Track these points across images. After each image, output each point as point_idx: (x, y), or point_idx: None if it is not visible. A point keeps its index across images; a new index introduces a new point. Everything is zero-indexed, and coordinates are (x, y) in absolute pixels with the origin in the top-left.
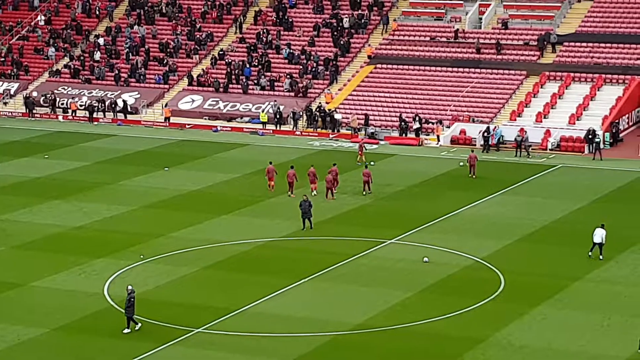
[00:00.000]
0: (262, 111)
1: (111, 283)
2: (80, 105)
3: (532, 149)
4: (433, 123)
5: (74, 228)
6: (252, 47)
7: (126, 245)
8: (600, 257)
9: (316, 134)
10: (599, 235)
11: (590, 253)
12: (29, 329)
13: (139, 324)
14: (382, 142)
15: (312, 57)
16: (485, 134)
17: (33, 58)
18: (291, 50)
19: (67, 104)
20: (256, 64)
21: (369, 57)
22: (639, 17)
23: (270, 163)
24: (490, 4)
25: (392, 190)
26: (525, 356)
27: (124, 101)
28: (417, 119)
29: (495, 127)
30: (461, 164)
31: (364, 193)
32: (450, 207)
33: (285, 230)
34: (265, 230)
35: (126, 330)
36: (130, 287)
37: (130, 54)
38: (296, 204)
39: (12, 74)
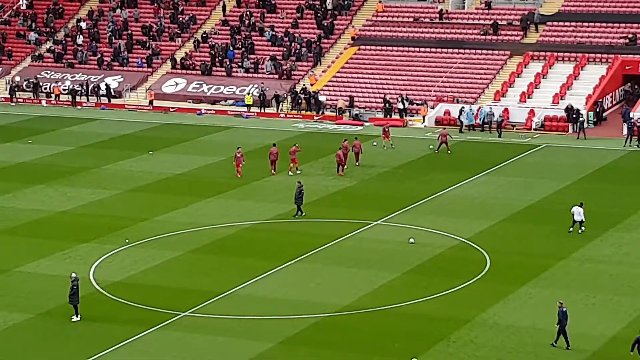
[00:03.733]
0: (248, 94)
1: (97, 267)
2: (63, 90)
3: (516, 129)
4: (417, 104)
5: (58, 213)
6: (235, 30)
7: (111, 230)
8: (582, 228)
9: (300, 116)
10: (578, 213)
11: (571, 229)
12: (14, 315)
13: (79, 317)
14: (366, 124)
15: (295, 39)
16: (459, 114)
17: (15, 43)
18: (274, 33)
19: (50, 89)
20: (239, 46)
21: (353, 38)
22: None
23: (239, 148)
24: None
25: (377, 172)
26: (511, 335)
27: (107, 85)
28: (400, 99)
29: (479, 107)
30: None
31: (357, 164)
32: (435, 187)
33: (271, 212)
34: (250, 212)
35: (75, 318)
36: (74, 275)
37: (113, 37)
38: (281, 183)
39: None
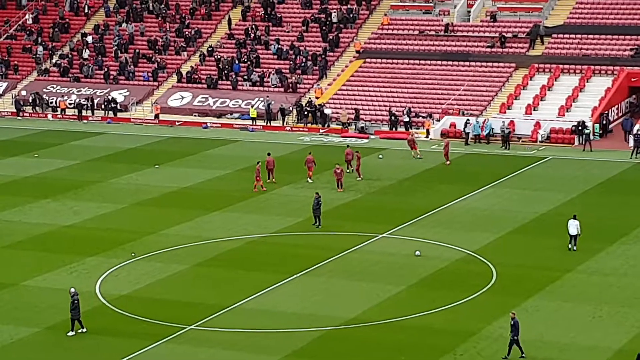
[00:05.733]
0: (252, 107)
1: (103, 281)
2: (69, 104)
3: (522, 141)
4: (423, 117)
5: (64, 227)
6: (240, 43)
7: (117, 243)
8: (574, 247)
9: (306, 129)
10: (574, 226)
11: (569, 246)
12: (20, 328)
13: (85, 328)
14: (372, 137)
15: (301, 52)
16: (465, 127)
17: (21, 57)
18: (280, 46)
19: (56, 103)
20: (245, 60)
21: (357, 51)
22: (626, 8)
23: (258, 163)
24: None
25: (382, 185)
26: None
27: (113, 99)
28: (406, 112)
29: (485, 120)
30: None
31: (349, 170)
32: (441, 200)
33: (276, 225)
34: (256, 226)
35: (70, 333)
36: (73, 290)
37: (119, 51)
38: (286, 196)
39: (1, 73)
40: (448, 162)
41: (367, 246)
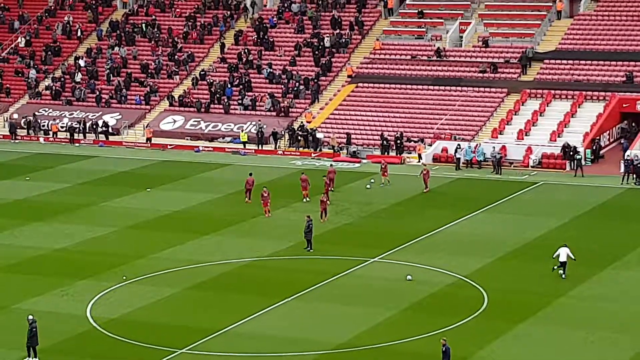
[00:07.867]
0: (242, 131)
1: (94, 305)
2: (61, 127)
3: (514, 167)
4: (415, 141)
5: (55, 250)
6: (233, 67)
7: (108, 267)
8: (563, 275)
9: (298, 153)
10: (565, 253)
11: (554, 267)
12: (11, 352)
13: (37, 359)
14: (364, 161)
15: (293, 77)
16: (456, 152)
17: (14, 80)
18: (272, 70)
19: (48, 126)
20: (237, 83)
21: (350, 76)
22: (618, 34)
23: (264, 188)
24: (470, 22)
25: (374, 209)
26: None
27: (105, 122)
28: (396, 137)
29: (477, 144)
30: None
31: (331, 190)
32: (432, 225)
33: (268, 249)
34: (247, 250)
35: None
36: (30, 317)
37: (111, 75)
38: (278, 220)
39: None
40: (426, 190)
41: (359, 270)
